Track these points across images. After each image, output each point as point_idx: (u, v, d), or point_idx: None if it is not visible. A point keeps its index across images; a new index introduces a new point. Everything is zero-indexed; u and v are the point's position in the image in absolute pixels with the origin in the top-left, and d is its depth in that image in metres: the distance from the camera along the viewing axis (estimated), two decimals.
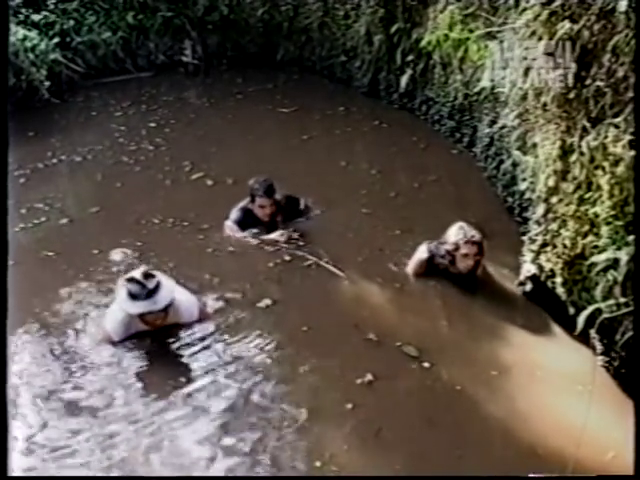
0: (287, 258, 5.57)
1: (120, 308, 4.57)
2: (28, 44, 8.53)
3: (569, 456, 3.65)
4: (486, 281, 5.24)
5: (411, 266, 5.32)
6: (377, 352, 4.57)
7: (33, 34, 8.83)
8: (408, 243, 5.61)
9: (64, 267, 5.52)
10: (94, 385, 4.35)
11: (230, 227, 5.83)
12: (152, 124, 8.50)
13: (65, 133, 8.32)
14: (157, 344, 4.64)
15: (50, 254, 5.70)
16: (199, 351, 4.60)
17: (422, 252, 5.27)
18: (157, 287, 4.43)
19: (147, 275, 4.45)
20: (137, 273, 4.47)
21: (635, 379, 3.66)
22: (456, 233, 5.05)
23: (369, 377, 4.31)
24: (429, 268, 5.24)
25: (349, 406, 4.12)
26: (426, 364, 4.42)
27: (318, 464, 3.76)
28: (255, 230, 5.81)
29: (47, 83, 8.75)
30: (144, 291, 4.38)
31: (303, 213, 6.11)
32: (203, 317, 4.81)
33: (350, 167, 7.21)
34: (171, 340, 4.67)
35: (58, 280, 5.33)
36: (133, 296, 4.40)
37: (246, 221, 5.82)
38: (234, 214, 5.85)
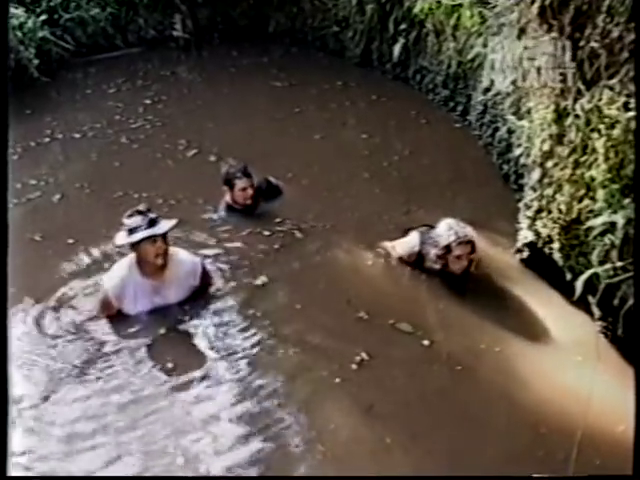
0: (281, 235, 5.53)
1: (120, 267, 4.59)
2: (15, 22, 8.41)
3: (577, 427, 3.64)
4: (482, 250, 5.20)
5: (399, 252, 5.06)
6: (371, 329, 4.52)
7: (20, 11, 8.71)
8: (402, 216, 5.57)
9: (57, 245, 5.49)
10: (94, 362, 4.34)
11: None
12: (147, 100, 8.41)
13: (60, 111, 8.26)
14: (155, 322, 4.60)
15: (43, 231, 5.66)
16: (195, 329, 4.57)
17: (414, 244, 4.94)
18: (158, 217, 4.47)
19: (149, 209, 4.50)
20: (139, 207, 4.49)
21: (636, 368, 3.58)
22: (446, 235, 4.70)
23: (363, 355, 4.26)
24: (417, 263, 4.95)
25: (342, 383, 4.08)
26: (425, 341, 4.36)
27: (303, 441, 3.73)
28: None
29: (36, 61, 8.65)
30: (145, 220, 4.38)
31: (278, 193, 5.99)
32: (206, 281, 4.79)
33: (346, 141, 7.15)
34: (169, 319, 4.62)
35: (49, 259, 5.31)
36: (133, 230, 4.39)
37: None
38: (220, 216, 5.75)
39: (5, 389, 2.41)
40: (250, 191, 5.64)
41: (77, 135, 7.60)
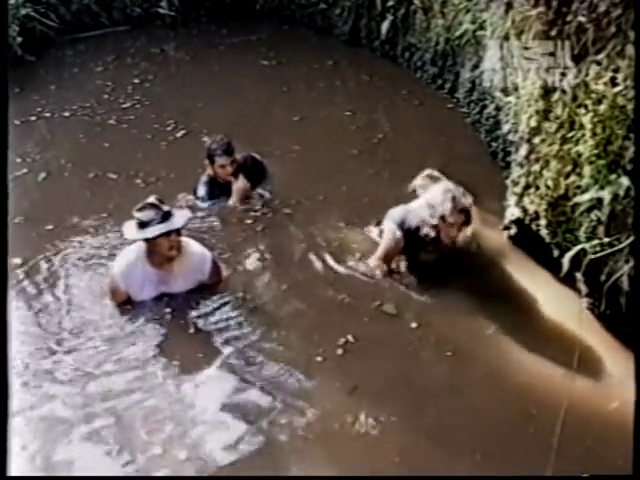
0: (267, 213, 5.51)
1: (128, 253, 4.52)
2: None
3: (567, 407, 3.66)
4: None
5: (382, 254, 4.68)
6: (356, 311, 4.49)
7: None
8: (390, 195, 5.54)
9: (39, 228, 5.44)
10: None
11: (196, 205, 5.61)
12: (136, 80, 8.29)
13: (48, 90, 8.15)
14: (156, 308, 4.56)
15: (26, 213, 5.57)
16: (187, 316, 4.53)
17: (393, 231, 4.59)
18: (171, 210, 4.37)
19: (161, 200, 4.38)
20: (151, 199, 4.37)
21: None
22: (443, 203, 4.38)
23: (349, 337, 4.25)
24: (409, 246, 4.64)
25: (327, 366, 4.08)
26: (413, 324, 4.35)
27: (283, 421, 3.74)
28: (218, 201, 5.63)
29: (20, 39, 8.51)
30: (159, 214, 4.27)
31: (266, 175, 5.88)
32: (215, 278, 4.71)
33: (334, 119, 7.07)
34: (167, 306, 4.58)
35: (31, 242, 5.25)
36: (146, 223, 4.27)
37: (213, 193, 5.61)
38: (200, 191, 5.64)
39: (5, 387, 2.38)
40: (229, 169, 5.52)
41: (66, 114, 7.51)
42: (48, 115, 7.51)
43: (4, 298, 2.57)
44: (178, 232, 4.38)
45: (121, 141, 6.90)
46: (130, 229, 4.38)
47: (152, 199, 4.37)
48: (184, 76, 8.47)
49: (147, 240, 4.36)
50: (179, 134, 6.93)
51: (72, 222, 5.46)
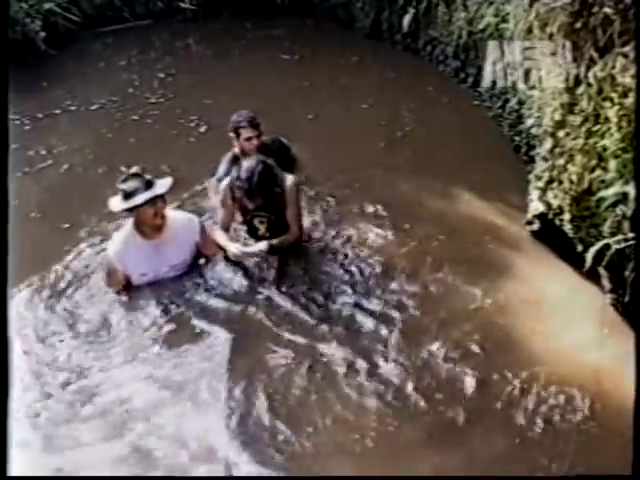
0: None
1: (119, 233, 4.63)
2: None
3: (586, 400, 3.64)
4: (492, 222, 5.16)
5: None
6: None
7: None
8: (412, 192, 5.54)
9: (57, 223, 5.50)
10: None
11: (214, 186, 5.55)
12: (160, 74, 8.34)
13: (72, 84, 8.22)
14: (158, 294, 4.60)
15: (45, 207, 5.67)
16: (194, 301, 4.56)
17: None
18: (152, 178, 4.45)
19: (144, 169, 4.49)
20: (133, 169, 4.46)
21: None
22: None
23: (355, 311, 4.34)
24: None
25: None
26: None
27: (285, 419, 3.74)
28: None
29: (43, 34, 8.60)
30: (143, 182, 4.36)
31: (294, 162, 5.81)
32: (205, 241, 4.76)
33: (357, 112, 7.06)
34: (171, 291, 4.61)
35: (48, 237, 5.32)
36: (131, 193, 4.35)
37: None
38: (220, 168, 5.56)
39: (5, 387, 2.39)
40: (255, 142, 5.39)
41: (92, 108, 7.58)
42: (73, 109, 7.58)
43: (4, 297, 2.58)
44: (163, 199, 4.46)
45: (145, 136, 6.94)
46: (116, 202, 4.45)
47: (134, 169, 4.46)
48: (206, 71, 8.48)
49: (133, 210, 4.43)
50: (202, 129, 6.95)
51: (90, 220, 5.47)
